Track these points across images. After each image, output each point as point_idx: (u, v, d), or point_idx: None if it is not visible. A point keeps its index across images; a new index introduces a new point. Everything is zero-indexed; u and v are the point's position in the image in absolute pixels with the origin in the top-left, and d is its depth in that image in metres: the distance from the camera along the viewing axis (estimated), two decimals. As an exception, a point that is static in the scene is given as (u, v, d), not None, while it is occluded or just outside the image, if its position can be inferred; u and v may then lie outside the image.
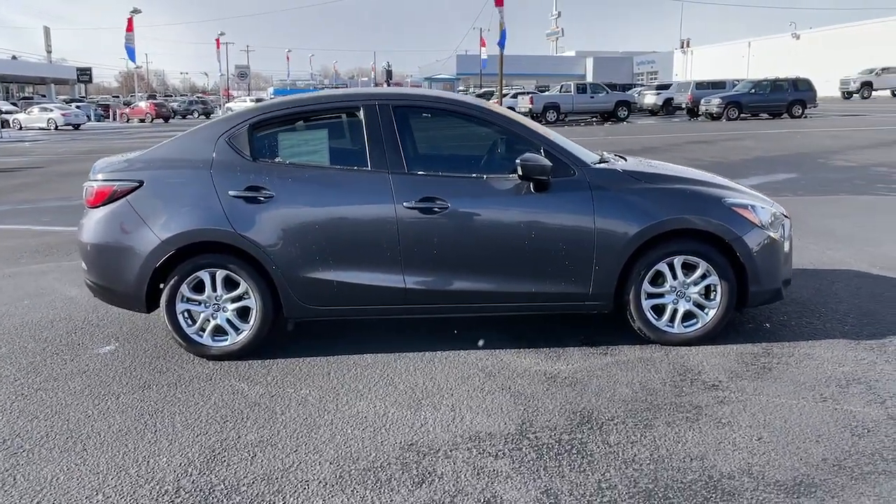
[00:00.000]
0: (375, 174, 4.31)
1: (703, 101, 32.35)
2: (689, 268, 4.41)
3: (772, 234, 4.44)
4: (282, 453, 3.26)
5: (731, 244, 4.34)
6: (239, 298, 4.38)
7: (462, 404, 3.73)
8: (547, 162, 4.23)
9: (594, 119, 34.72)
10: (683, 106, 34.89)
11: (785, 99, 31.60)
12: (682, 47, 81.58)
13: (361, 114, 4.42)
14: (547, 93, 36.36)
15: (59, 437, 3.46)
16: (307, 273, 4.28)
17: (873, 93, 48.36)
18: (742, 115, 31.19)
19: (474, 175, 4.38)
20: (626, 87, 43.47)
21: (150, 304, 4.43)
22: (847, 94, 48.47)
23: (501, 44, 37.21)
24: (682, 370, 4.10)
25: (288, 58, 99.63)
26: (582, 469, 3.06)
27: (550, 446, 3.26)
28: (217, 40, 62.22)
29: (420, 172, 4.35)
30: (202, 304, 4.40)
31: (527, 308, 4.45)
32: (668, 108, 37.67)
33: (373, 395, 3.88)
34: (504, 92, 39.16)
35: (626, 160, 4.85)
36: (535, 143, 4.40)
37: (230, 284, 4.37)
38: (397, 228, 4.25)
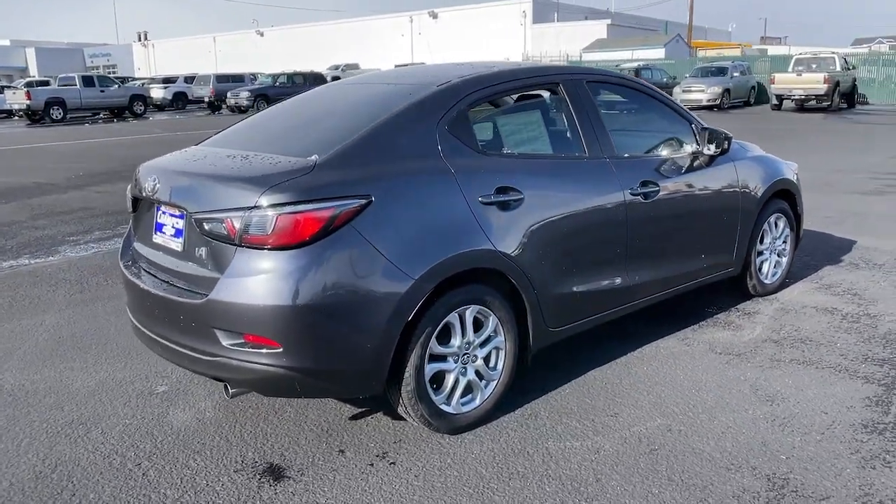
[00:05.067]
0: (596, 161, 3.70)
1: (230, 93, 32.20)
2: (776, 224, 4.94)
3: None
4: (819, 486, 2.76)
5: (795, 198, 5.02)
6: (487, 341, 3.28)
7: (793, 386, 3.61)
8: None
9: (102, 116, 31.18)
10: (206, 99, 34.04)
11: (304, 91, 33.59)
12: (141, 40, 78.40)
13: (563, 91, 3.69)
14: (49, 87, 31.20)
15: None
16: (557, 289, 3.46)
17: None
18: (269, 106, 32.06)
19: (663, 154, 4.10)
20: (123, 80, 40.19)
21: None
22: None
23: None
24: (823, 311, 4.64)
25: None
26: None
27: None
28: None
29: (626, 155, 3.89)
30: (449, 359, 3.16)
31: (693, 286, 4.37)
32: (180, 103, 36.21)
33: (705, 406, 3.44)
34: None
35: None
36: (688, 118, 4.32)
37: (475, 324, 3.23)
38: (626, 220, 3.75)
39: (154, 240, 3.25)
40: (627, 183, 3.75)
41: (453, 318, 3.10)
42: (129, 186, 3.55)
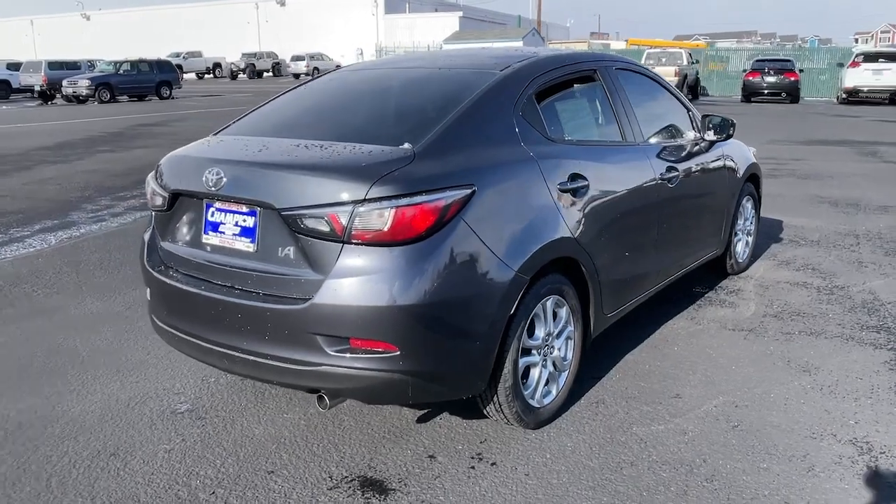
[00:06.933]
0: (633, 147, 3.74)
1: (66, 82, 29.49)
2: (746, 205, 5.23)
3: (755, 167, 5.58)
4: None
5: (759, 180, 5.35)
6: (561, 331, 3.23)
7: (816, 356, 3.84)
8: None
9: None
10: (37, 88, 30.99)
11: (153, 80, 31.52)
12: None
13: (600, 77, 3.69)
14: None
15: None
16: (614, 275, 3.48)
17: (185, 75, 51.65)
18: (114, 96, 29.82)
19: (676, 139, 4.21)
20: None
21: (482, 377, 2.86)
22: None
23: None
24: (796, 285, 4.98)
25: None
26: None
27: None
28: None
29: (652, 141, 3.96)
30: (534, 352, 3.07)
31: (694, 267, 4.53)
32: (3, 92, 32.79)
33: (754, 381, 3.59)
34: None
35: None
36: (687, 106, 4.46)
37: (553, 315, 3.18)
38: (659, 203, 3.83)
39: (205, 240, 2.89)
40: (658, 168, 3.82)
41: (539, 309, 3.01)
42: (151, 180, 3.14)
